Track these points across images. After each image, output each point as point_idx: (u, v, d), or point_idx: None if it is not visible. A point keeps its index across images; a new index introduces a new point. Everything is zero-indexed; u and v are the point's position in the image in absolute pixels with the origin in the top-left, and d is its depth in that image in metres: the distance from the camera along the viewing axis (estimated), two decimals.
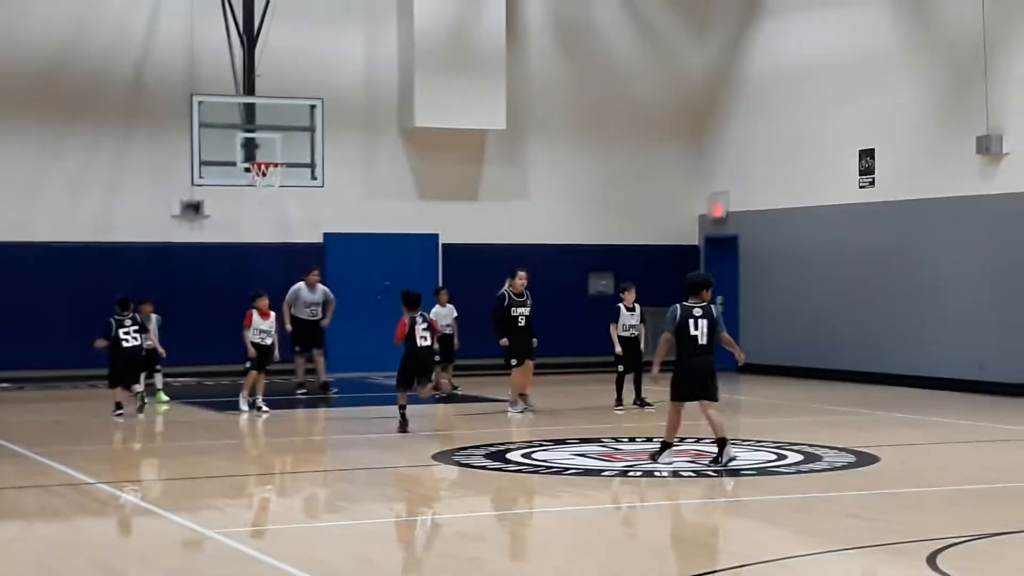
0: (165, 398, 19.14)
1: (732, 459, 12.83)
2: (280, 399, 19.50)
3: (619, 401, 18.11)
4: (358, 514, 11.05)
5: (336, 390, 20.31)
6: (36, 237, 22.55)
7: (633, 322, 18.36)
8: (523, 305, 17.68)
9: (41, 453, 14.18)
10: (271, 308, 18.28)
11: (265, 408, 17.83)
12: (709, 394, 12.98)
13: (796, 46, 23.96)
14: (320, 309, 20.29)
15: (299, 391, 20.06)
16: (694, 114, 25.95)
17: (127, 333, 17.23)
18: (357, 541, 9.90)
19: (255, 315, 17.95)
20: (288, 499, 12.02)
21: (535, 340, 17.75)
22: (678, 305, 13.16)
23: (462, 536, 10.02)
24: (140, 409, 17.44)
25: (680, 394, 13.02)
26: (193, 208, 23.23)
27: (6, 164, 22.44)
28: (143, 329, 17.72)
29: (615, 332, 18.21)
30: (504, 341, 17.46)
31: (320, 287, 20.32)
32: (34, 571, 8.78)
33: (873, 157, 22.34)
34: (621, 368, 18.13)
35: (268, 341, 17.95)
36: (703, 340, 13.00)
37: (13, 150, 22.47)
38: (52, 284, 21.77)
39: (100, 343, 17.37)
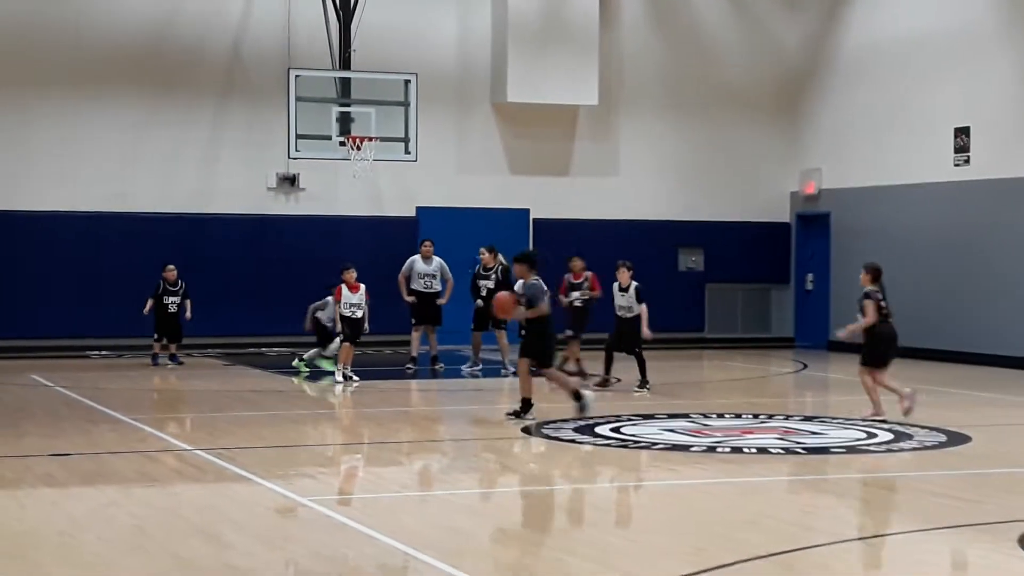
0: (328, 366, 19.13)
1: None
2: (382, 370, 19.73)
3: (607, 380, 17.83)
4: (448, 485, 11.20)
5: (442, 365, 20.11)
6: (134, 208, 22.96)
7: (623, 303, 17.99)
8: (488, 279, 19.33)
9: (139, 419, 14.48)
10: (362, 281, 18.46)
11: (355, 378, 18.05)
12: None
13: (891, 21, 23.72)
14: (435, 281, 20.00)
15: (408, 365, 19.89)
16: (787, 90, 25.79)
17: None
18: (446, 511, 10.04)
19: (344, 289, 18.15)
20: (379, 469, 12.20)
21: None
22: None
23: (550, 508, 10.13)
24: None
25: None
26: (289, 181, 23.53)
27: (105, 136, 22.84)
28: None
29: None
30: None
31: (436, 259, 20.06)
32: (131, 534, 9.01)
33: (968, 135, 22.10)
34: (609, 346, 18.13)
35: (358, 314, 18.16)
36: None
37: (112, 122, 22.87)
38: (150, 255, 22.16)
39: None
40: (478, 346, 19.94)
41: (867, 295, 14.80)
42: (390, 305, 20.29)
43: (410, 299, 19.78)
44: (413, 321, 20.10)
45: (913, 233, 23.08)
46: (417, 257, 20.22)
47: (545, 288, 14.57)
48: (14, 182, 22.41)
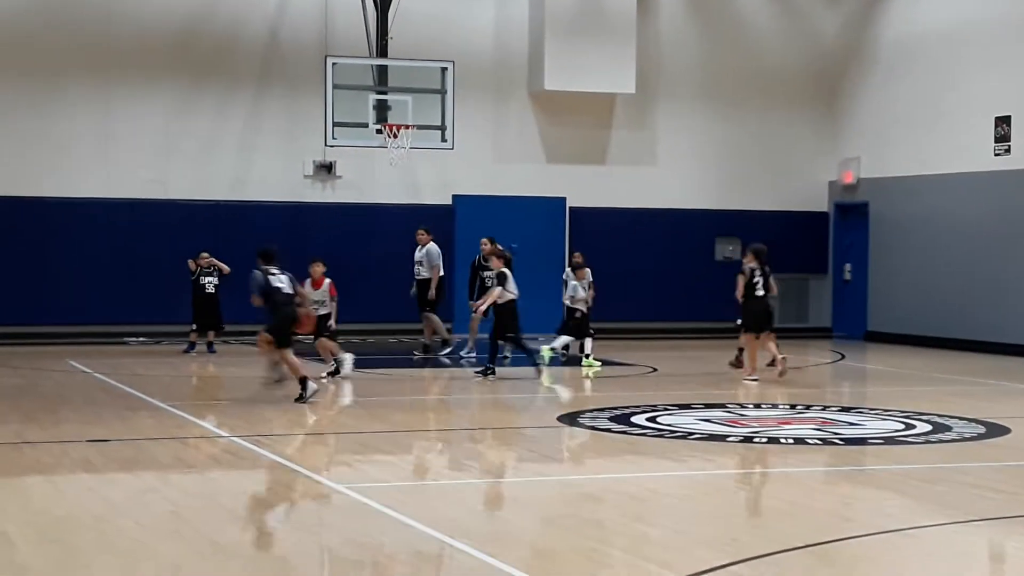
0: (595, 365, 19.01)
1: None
2: (398, 358, 19.76)
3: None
4: (483, 473, 11.19)
5: (449, 349, 20.10)
6: (171, 195, 23.04)
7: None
8: (489, 268, 18.89)
9: (177, 406, 14.53)
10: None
11: (324, 378, 17.04)
12: None
13: (930, 11, 23.55)
14: (422, 268, 20.01)
15: (415, 352, 20.09)
16: (825, 79, 25.65)
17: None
18: (483, 500, 10.03)
19: (307, 283, 17.01)
20: (415, 457, 12.20)
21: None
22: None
23: (586, 497, 10.11)
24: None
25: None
26: (326, 168, 23.56)
27: (142, 123, 22.92)
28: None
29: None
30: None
31: (427, 247, 20.06)
32: (169, 520, 9.04)
33: (1009, 124, 21.92)
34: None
35: (321, 311, 16.99)
36: None
37: (149, 109, 22.95)
38: (187, 242, 22.23)
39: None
40: (474, 331, 19.86)
41: (741, 271, 17.53)
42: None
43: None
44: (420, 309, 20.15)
45: (953, 223, 22.92)
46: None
47: (261, 279, 15.03)
48: (51, 169, 22.52)
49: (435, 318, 20.01)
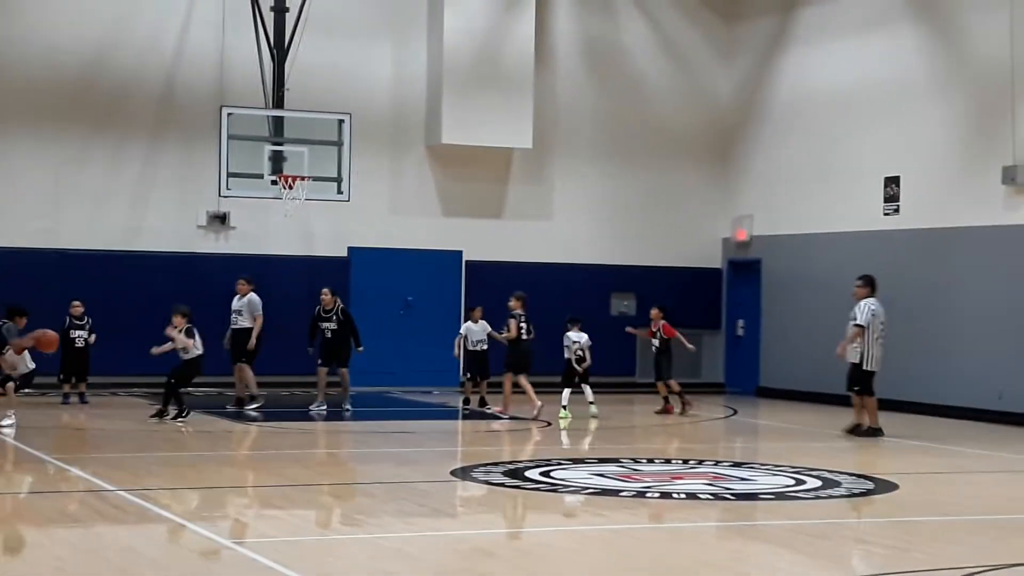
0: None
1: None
2: (291, 411, 19.58)
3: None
4: (375, 528, 11.09)
5: (257, 405, 19.56)
6: (61, 244, 22.69)
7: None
8: (329, 320, 19.80)
9: (62, 459, 14.24)
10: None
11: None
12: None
13: (824, 72, 23.97)
14: (240, 317, 19.82)
15: (228, 406, 19.65)
16: (720, 137, 25.98)
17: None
18: (374, 555, 9.93)
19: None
20: (305, 511, 12.06)
21: (360, 349, 20.02)
22: None
23: (478, 552, 10.05)
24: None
25: None
26: (219, 219, 23.36)
27: (34, 170, 22.60)
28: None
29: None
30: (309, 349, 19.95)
31: (247, 297, 19.89)
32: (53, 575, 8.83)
33: (898, 184, 22.33)
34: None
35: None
36: None
37: (41, 156, 22.64)
38: (77, 292, 21.88)
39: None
40: (323, 383, 19.90)
41: (512, 316, 19.46)
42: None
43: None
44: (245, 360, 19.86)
45: (843, 281, 23.16)
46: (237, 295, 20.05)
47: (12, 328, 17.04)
48: None
49: (248, 371, 19.75)
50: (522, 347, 19.60)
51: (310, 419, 19.18)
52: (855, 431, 17.94)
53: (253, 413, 19.25)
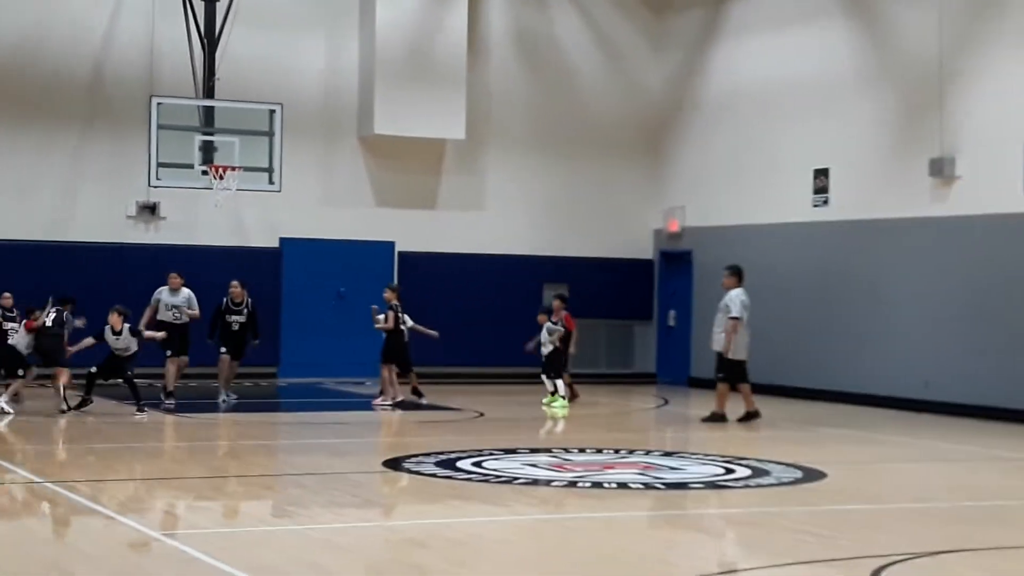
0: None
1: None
2: (205, 403, 19.48)
3: None
4: (306, 519, 11.06)
5: (172, 403, 19.19)
6: None
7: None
8: (239, 313, 19.78)
9: None
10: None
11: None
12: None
13: (754, 65, 24.13)
14: (182, 313, 19.68)
15: (166, 401, 19.30)
16: (652, 129, 26.09)
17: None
18: (305, 546, 9.90)
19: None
20: (236, 503, 12.00)
21: (256, 342, 20.03)
22: None
23: (409, 543, 10.05)
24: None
25: None
26: (149, 209, 23.18)
27: None
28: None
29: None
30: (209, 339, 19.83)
31: (185, 291, 19.75)
32: None
33: (828, 176, 22.53)
34: None
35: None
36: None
37: None
38: (6, 283, 21.62)
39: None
40: (229, 375, 19.81)
41: (391, 308, 19.68)
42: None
43: (159, 334, 19.09)
44: (168, 353, 19.50)
45: (773, 272, 23.43)
46: (165, 288, 19.85)
47: None
48: None
49: (176, 366, 19.56)
50: (398, 338, 19.75)
51: (234, 410, 19.03)
52: (712, 419, 18.38)
53: (170, 405, 19.01)
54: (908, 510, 11.87)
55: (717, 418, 18.37)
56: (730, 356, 18.47)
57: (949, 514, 11.70)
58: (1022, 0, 19.61)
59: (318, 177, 24.29)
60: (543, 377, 20.33)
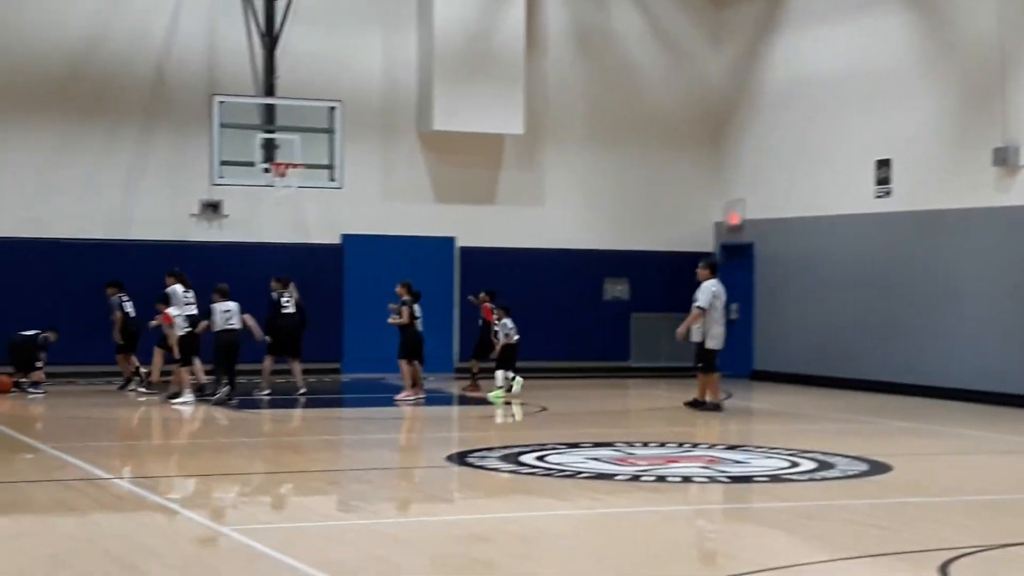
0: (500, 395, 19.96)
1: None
2: (285, 399, 19.60)
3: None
4: (372, 514, 11.11)
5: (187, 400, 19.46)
6: (51, 233, 22.64)
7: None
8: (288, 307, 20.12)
9: (57, 448, 14.25)
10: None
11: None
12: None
13: (814, 56, 23.98)
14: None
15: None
16: (712, 121, 25.99)
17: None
18: (371, 541, 9.95)
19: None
20: (302, 498, 12.08)
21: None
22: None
23: (475, 538, 10.07)
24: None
25: None
26: (212, 207, 23.34)
27: (23, 160, 22.56)
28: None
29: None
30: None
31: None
32: (48, 565, 8.84)
33: (890, 167, 22.35)
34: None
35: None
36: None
37: (31, 146, 22.59)
38: (68, 281, 21.89)
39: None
40: (268, 370, 20.18)
41: (403, 303, 19.51)
42: (317, 333, 20.22)
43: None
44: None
45: (835, 264, 23.29)
46: (179, 287, 19.94)
47: None
48: None
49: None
50: (413, 332, 19.71)
51: (298, 406, 19.14)
52: (695, 404, 18.67)
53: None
54: (975, 503, 11.76)
55: (711, 407, 18.58)
56: (707, 346, 18.72)
57: (1017, 507, 11.59)
58: None
59: (378, 173, 24.37)
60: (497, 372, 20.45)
